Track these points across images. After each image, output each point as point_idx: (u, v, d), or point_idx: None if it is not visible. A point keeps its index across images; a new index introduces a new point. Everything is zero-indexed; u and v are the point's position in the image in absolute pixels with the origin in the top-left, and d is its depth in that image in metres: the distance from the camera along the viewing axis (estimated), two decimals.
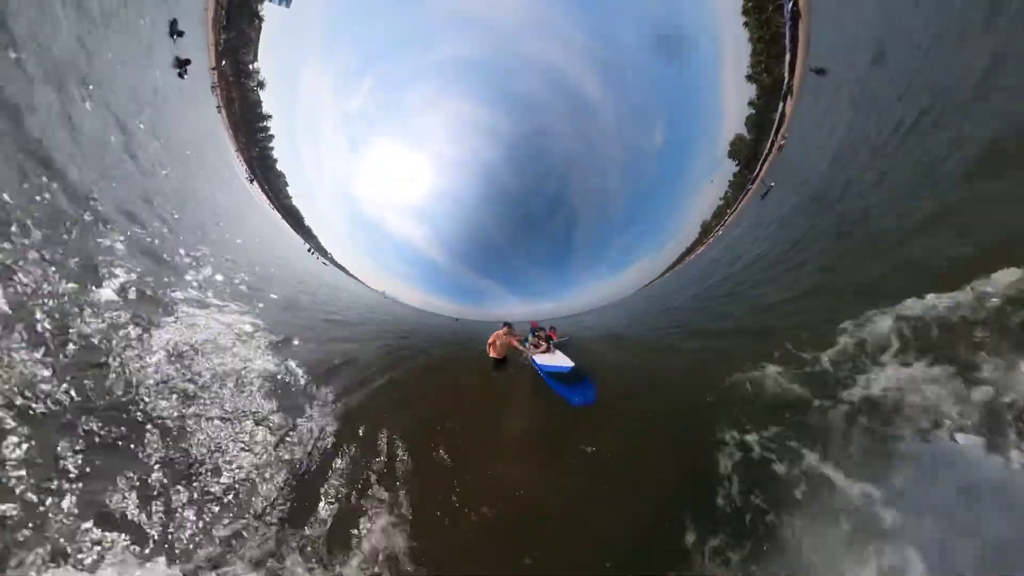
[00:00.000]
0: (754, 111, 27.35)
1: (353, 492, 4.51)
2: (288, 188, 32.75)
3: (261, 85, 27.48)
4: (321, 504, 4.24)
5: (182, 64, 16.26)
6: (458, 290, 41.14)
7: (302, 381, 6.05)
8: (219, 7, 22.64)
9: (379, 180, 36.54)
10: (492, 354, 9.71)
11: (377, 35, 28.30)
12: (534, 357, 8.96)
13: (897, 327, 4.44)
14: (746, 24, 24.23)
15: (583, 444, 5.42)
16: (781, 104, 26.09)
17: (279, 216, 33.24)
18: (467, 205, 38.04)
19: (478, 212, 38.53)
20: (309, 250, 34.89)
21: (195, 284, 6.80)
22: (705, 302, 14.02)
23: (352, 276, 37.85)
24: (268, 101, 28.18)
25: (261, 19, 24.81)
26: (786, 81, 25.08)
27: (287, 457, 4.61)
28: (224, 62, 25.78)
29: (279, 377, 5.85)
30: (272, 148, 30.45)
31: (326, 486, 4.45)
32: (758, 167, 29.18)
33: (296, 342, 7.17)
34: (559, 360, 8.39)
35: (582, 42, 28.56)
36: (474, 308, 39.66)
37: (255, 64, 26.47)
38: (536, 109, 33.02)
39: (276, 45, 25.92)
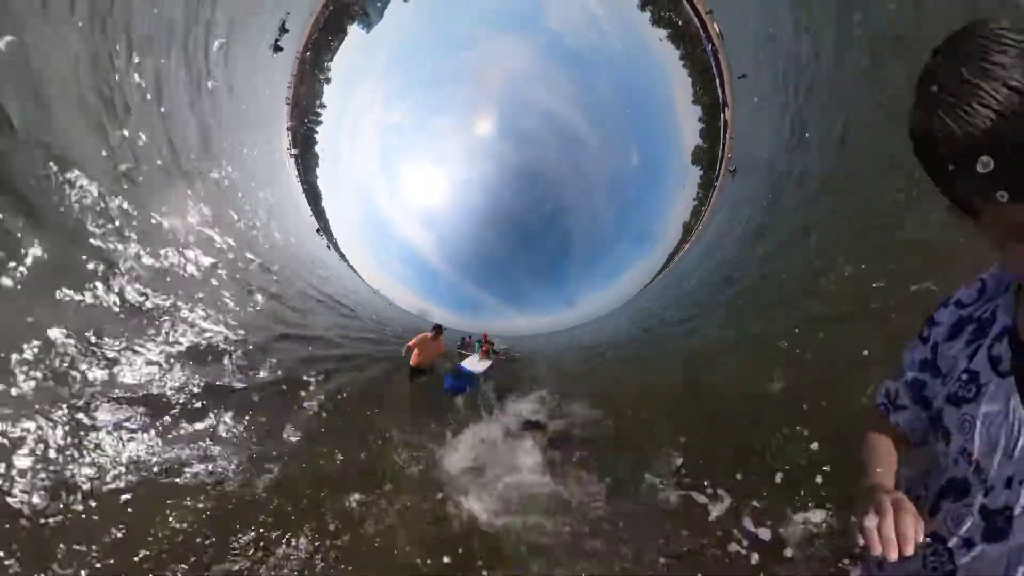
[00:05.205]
0: (704, 125, 36.64)
1: None
2: (317, 168, 36.55)
3: (328, 80, 35.18)
4: None
5: (277, 49, 24.10)
6: (455, 298, 40.38)
7: None
8: (324, 10, 32.05)
9: (398, 185, 41.19)
10: (413, 361, 8.31)
11: (423, 70, 38.69)
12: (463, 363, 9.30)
13: None
14: (684, 65, 35.80)
15: None
16: (722, 115, 35.57)
17: (300, 189, 35.68)
18: (472, 219, 42.00)
19: (482, 226, 42.17)
20: (317, 230, 35.85)
21: None
22: None
23: (351, 268, 37.44)
24: (328, 93, 35.42)
25: (346, 33, 34.41)
26: (721, 97, 35.24)
27: None
28: (308, 53, 33.92)
29: None
30: (317, 131, 35.91)
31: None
32: (719, 167, 36.58)
33: None
34: (477, 366, 9.15)
35: (570, 90, 39.55)
36: (471, 318, 38.17)
37: (329, 63, 34.77)
38: (535, 142, 41.60)
39: (349, 55, 34.89)
